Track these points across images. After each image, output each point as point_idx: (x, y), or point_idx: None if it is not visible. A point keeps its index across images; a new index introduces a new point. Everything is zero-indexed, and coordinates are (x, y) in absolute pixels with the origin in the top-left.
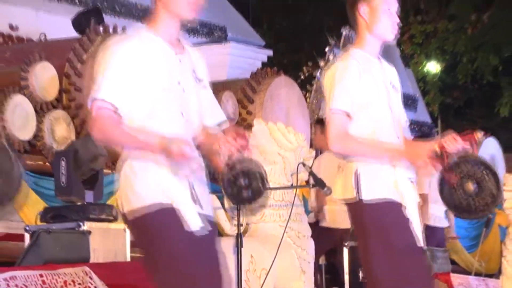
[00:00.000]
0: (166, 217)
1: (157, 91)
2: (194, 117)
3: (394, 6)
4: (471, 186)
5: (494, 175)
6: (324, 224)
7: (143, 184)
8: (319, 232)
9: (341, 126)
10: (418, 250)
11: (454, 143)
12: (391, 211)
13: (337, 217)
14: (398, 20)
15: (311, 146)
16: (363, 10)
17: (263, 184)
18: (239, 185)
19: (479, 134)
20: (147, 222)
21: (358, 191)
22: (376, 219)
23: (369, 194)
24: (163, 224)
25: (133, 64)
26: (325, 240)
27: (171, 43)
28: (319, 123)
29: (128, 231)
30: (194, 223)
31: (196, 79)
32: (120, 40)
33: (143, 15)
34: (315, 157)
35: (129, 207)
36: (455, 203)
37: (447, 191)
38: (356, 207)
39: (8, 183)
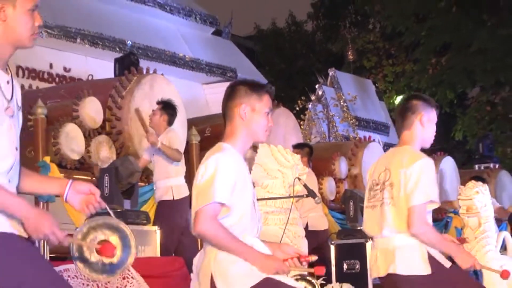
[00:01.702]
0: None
1: (246, 202)
2: (260, 224)
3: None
4: None
5: None
6: (309, 228)
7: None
8: (306, 234)
9: (425, 215)
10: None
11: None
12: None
13: (318, 222)
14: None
15: None
16: (425, 118)
17: None
18: None
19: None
20: None
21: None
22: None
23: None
24: None
25: (234, 177)
26: (310, 240)
27: (243, 156)
28: (297, 148)
29: (158, 232)
30: None
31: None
32: (223, 157)
33: (170, 59)
34: None
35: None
36: None
37: None
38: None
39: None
